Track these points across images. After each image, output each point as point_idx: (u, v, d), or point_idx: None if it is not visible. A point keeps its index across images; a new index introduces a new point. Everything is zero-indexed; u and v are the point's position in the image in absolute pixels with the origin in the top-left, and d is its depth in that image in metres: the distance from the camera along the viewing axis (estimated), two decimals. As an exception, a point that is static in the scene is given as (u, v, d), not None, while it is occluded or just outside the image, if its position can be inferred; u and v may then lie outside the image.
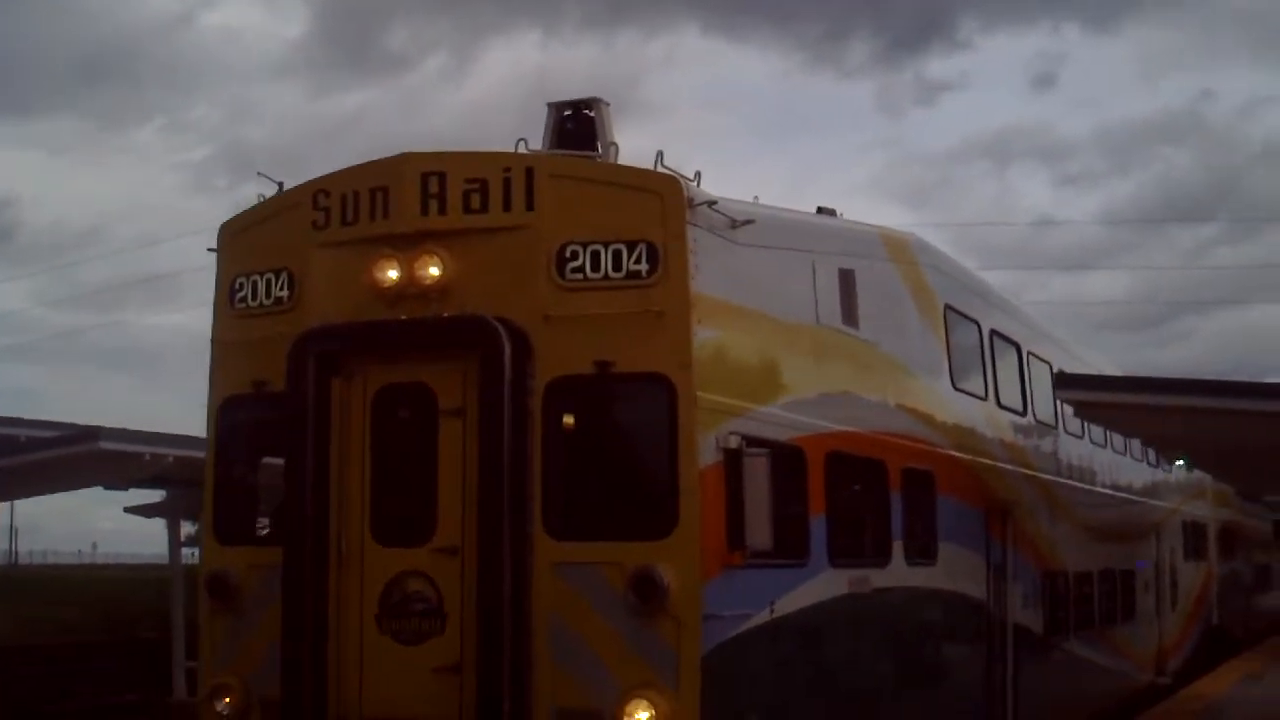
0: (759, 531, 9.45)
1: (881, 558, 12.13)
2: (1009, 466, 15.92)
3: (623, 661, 9.21)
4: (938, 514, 13.36)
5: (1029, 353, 17.27)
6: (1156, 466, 24.91)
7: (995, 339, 15.90)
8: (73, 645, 29.62)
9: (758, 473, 9.47)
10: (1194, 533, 28.32)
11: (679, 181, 9.60)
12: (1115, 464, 21.47)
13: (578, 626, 9.32)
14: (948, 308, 14.41)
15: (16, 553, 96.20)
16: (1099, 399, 15.58)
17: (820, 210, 12.87)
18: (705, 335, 9.55)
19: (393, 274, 9.88)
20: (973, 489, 14.52)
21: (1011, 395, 16.57)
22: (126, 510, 25.16)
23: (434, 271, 9.79)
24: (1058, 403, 18.33)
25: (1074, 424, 19.24)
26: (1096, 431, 20.44)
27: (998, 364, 15.84)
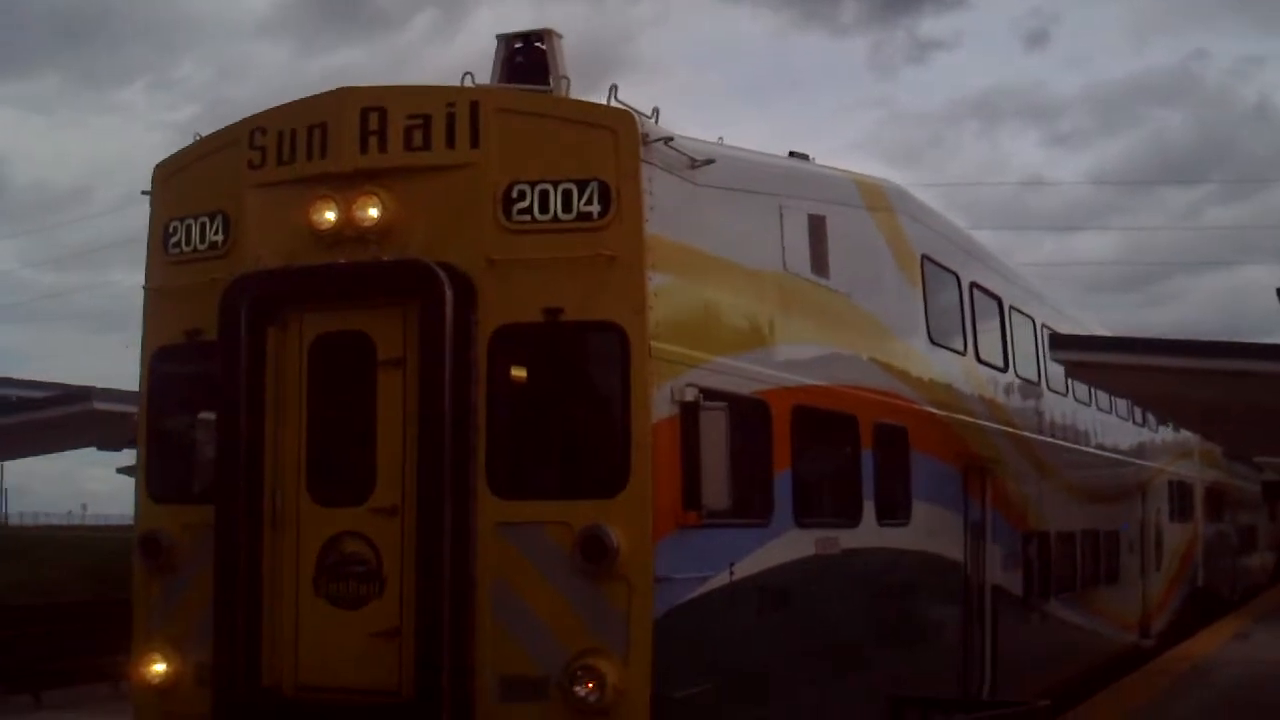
0: (716, 490, 8.88)
1: (851, 517, 11.57)
2: (989, 424, 15.37)
3: (570, 627, 8.66)
4: (912, 472, 12.80)
5: (1011, 307, 16.68)
6: (1143, 425, 24.40)
7: (975, 292, 15.30)
8: (61, 605, 29.07)
9: (716, 428, 8.89)
10: (1180, 493, 27.84)
11: (633, 116, 8.97)
12: (1100, 422, 20.95)
13: (522, 590, 8.75)
14: (925, 259, 13.80)
15: (6, 514, 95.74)
16: (1089, 359, 15.26)
17: (792, 155, 12.25)
18: (661, 281, 8.94)
19: (330, 216, 9.25)
20: (950, 447, 13.96)
21: (992, 351, 15.99)
22: (119, 471, 24.66)
23: (373, 213, 9.15)
24: (1041, 359, 17.79)
25: (1058, 381, 18.68)
26: (1081, 389, 19.89)
27: (978, 318, 15.26)
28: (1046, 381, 17.91)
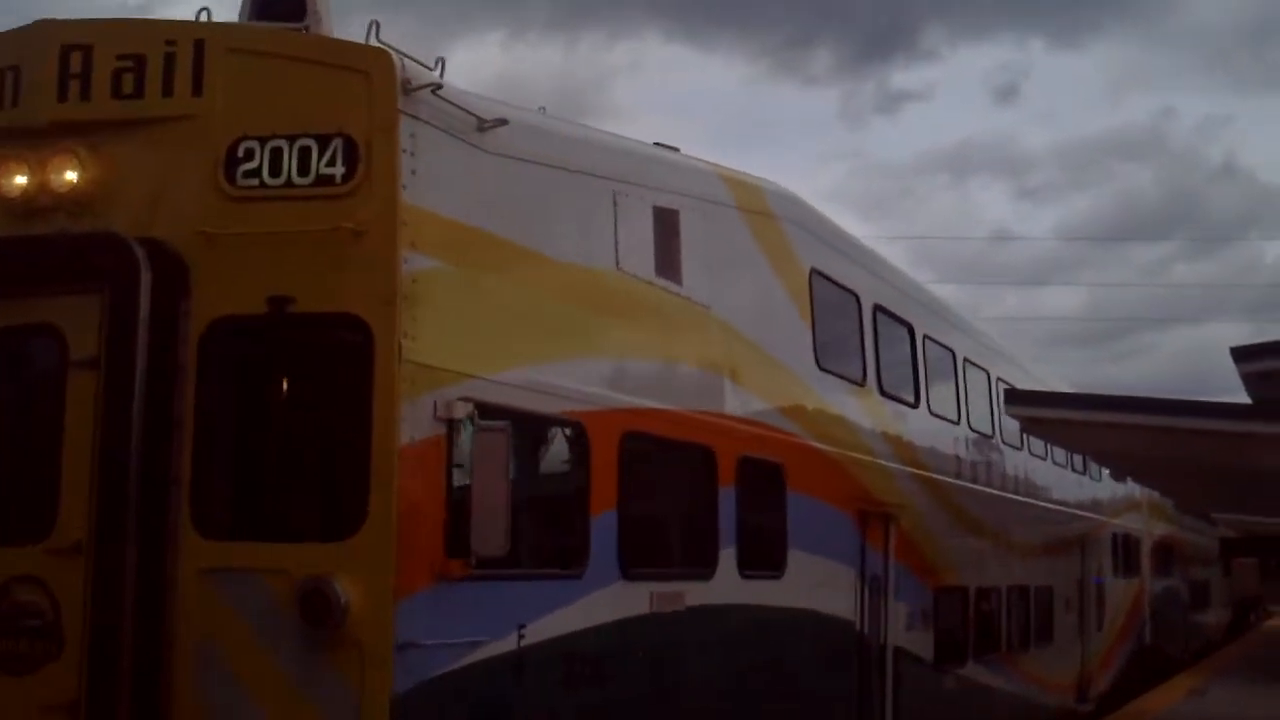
0: (491, 532, 6.87)
1: (703, 568, 9.54)
2: (893, 465, 13.38)
3: (287, 708, 6.60)
4: (789, 516, 10.80)
5: (926, 337, 14.74)
6: (1083, 474, 22.46)
7: (881, 316, 13.36)
8: None
9: (493, 453, 6.90)
10: (1125, 547, 25.87)
11: (390, 56, 7.00)
12: (1033, 469, 18.97)
13: (231, 657, 6.69)
14: (815, 273, 11.86)
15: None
16: (1044, 415, 14.56)
17: (658, 146, 10.33)
18: (423, 265, 6.96)
19: (20, 180, 7.24)
20: (841, 488, 11.97)
21: (901, 384, 14.03)
22: None
23: (70, 176, 7.16)
24: (962, 396, 15.86)
25: (982, 420, 16.75)
26: (1009, 430, 17.95)
27: (882, 346, 13.30)
28: (968, 420, 15.97)
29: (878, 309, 13.28)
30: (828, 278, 12.15)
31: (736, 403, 10.21)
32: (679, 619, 9.07)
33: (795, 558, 10.85)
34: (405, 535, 6.63)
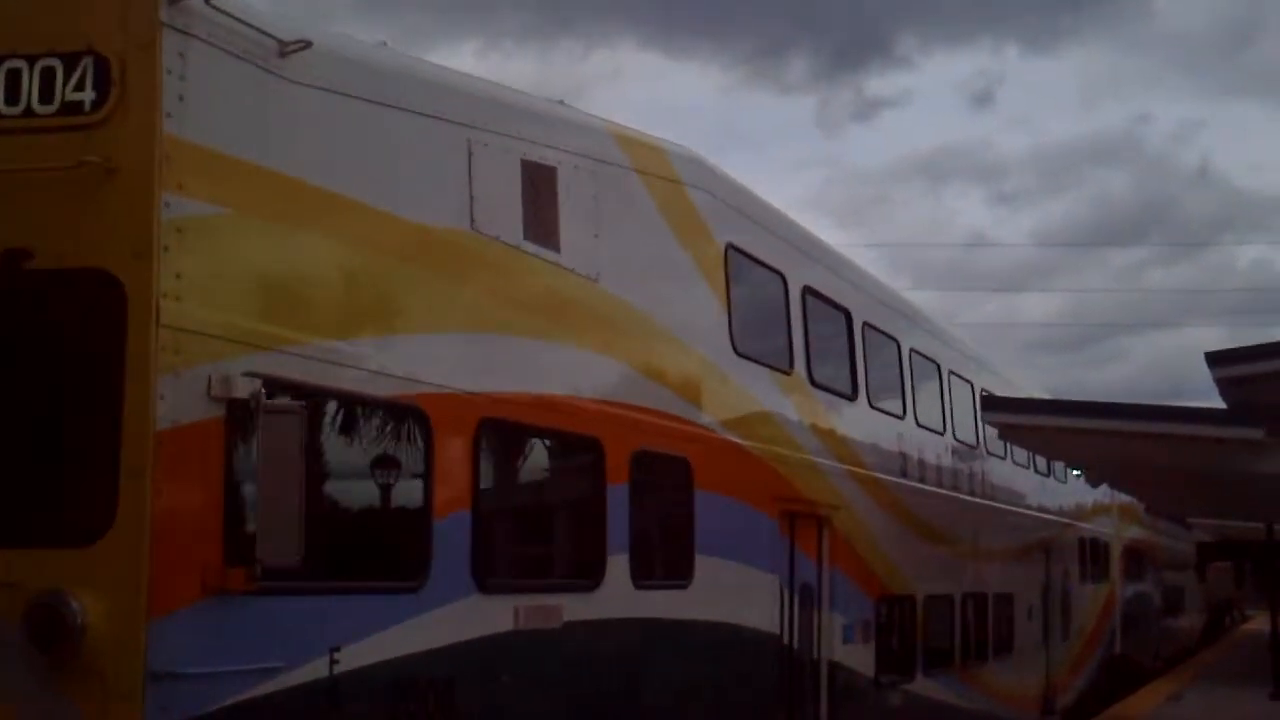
0: (281, 537, 5.55)
1: (586, 577, 8.24)
2: (827, 462, 12.11)
3: None
4: (697, 517, 9.51)
5: (866, 324, 13.48)
6: (1047, 476, 21.22)
7: (811, 299, 12.09)
8: None
9: (285, 441, 5.59)
10: (1094, 551, 24.66)
11: (150, -42, 5.70)
12: (991, 469, 17.72)
13: (-52, 691, 5.37)
14: (732, 249, 10.58)
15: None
16: (1020, 422, 14.21)
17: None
18: (194, 211, 5.65)
19: None
20: (763, 487, 10.68)
21: (836, 374, 12.77)
22: None
23: None
24: (908, 389, 14.59)
25: (931, 415, 15.49)
26: (965, 427, 16.71)
27: (813, 331, 12.03)
28: (915, 415, 14.70)
29: (808, 291, 12.00)
30: (747, 254, 10.88)
31: (632, 389, 8.92)
32: (554, 638, 7.77)
33: (705, 565, 9.56)
34: (163, 540, 5.32)
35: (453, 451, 7.02)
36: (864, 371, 13.21)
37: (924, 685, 14.30)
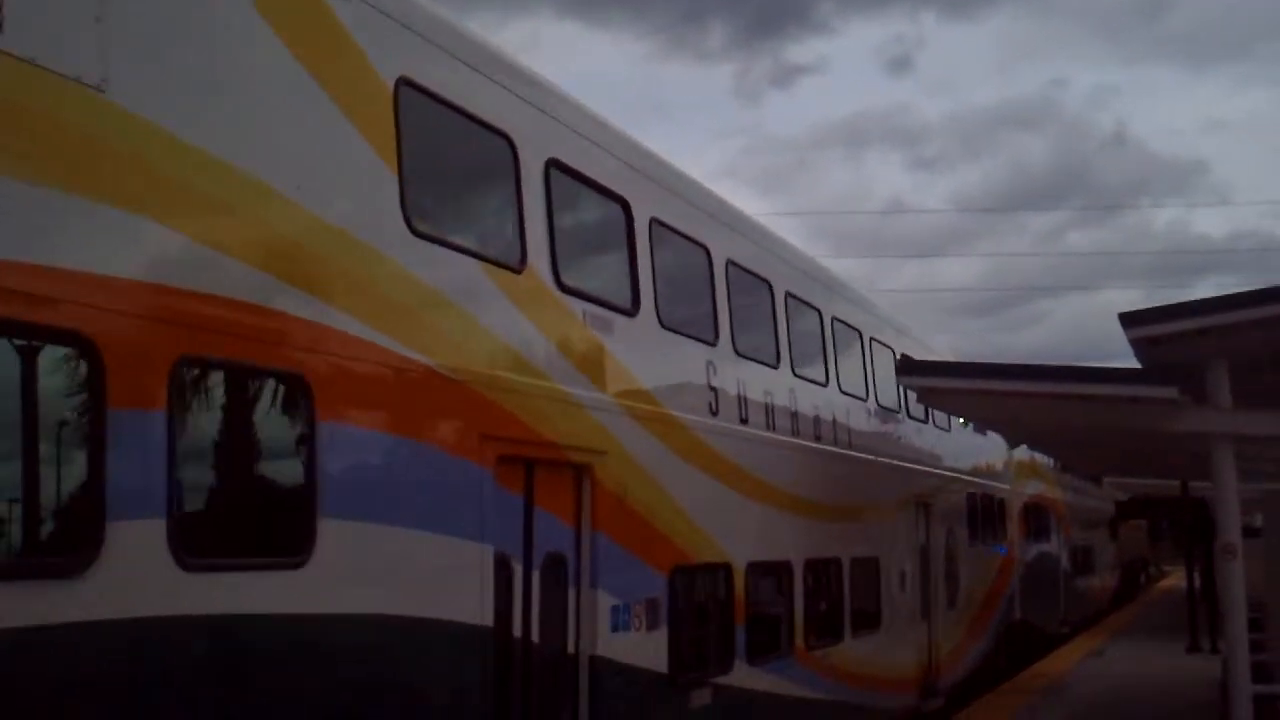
0: None
1: (75, 554, 5.06)
2: (588, 394, 9.01)
3: None
4: (319, 463, 6.35)
5: (656, 220, 10.37)
6: (924, 422, 18.29)
7: (559, 175, 8.94)
8: None
9: None
10: (986, 509, 21.84)
11: None
12: (847, 411, 14.71)
13: None
14: (408, 87, 7.40)
15: None
16: (938, 385, 14.08)
17: None
18: None
19: None
20: (463, 424, 7.55)
21: (603, 279, 9.70)
22: None
23: None
24: (722, 305, 11.52)
25: (761, 346, 12.45)
26: (808, 358, 13.70)
27: (560, 215, 8.88)
28: (733, 341, 11.61)
29: (554, 165, 8.85)
30: (439, 99, 7.70)
31: (182, 270, 5.73)
32: (21, 645, 4.61)
33: (339, 532, 6.41)
34: None
35: None
36: (651, 277, 10.10)
37: (748, 678, 11.28)
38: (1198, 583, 27.38)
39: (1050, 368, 13.56)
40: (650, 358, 10.06)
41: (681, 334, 10.62)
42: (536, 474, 8.38)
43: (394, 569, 6.81)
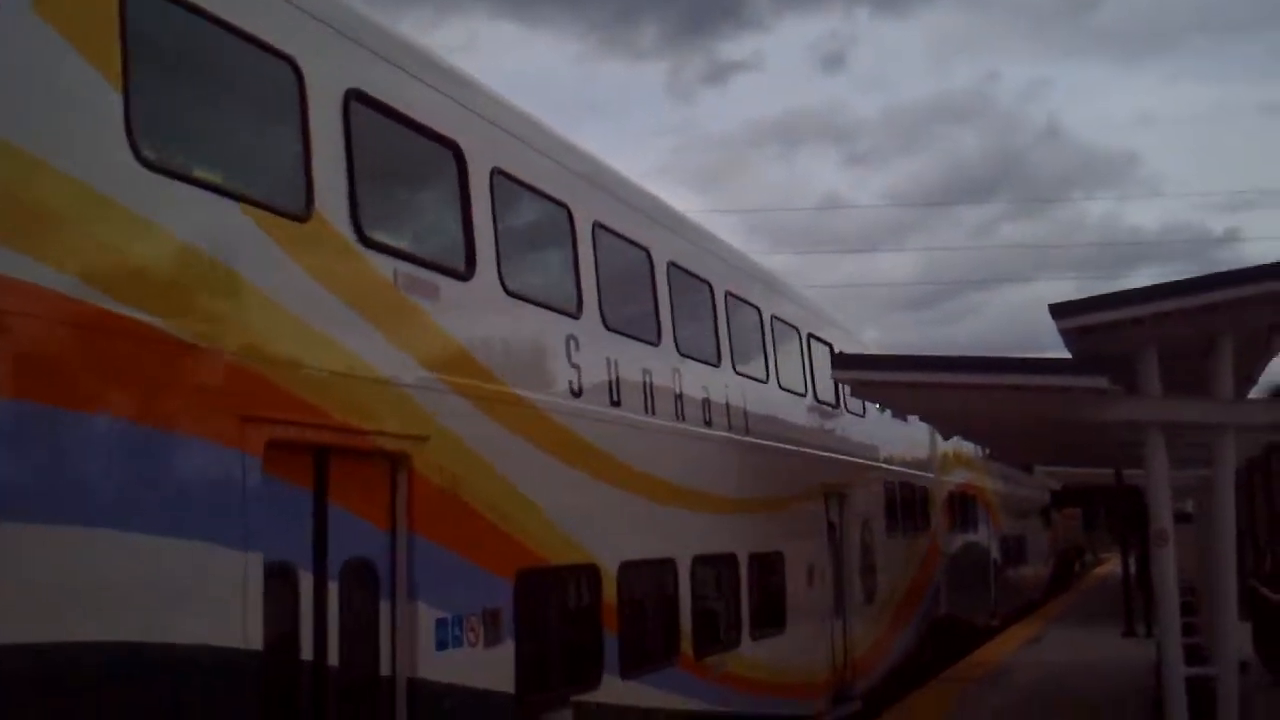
0: None
1: None
2: (403, 369, 7.57)
3: None
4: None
5: (499, 170, 8.92)
6: (836, 406, 17.01)
7: (358, 105, 7.48)
8: None
9: None
10: (906, 498, 20.62)
11: None
12: (745, 395, 13.36)
13: None
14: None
15: None
16: (871, 378, 13.75)
17: None
18: None
19: None
20: (214, 400, 6.09)
21: (428, 238, 8.28)
22: None
23: None
24: (583, 270, 10.11)
25: (636, 320, 11.08)
26: (696, 339, 12.35)
27: (365, 148, 7.41)
28: (601, 315, 10.21)
29: (354, 95, 7.40)
30: None
31: None
32: None
33: (14, 539, 4.93)
34: None
35: None
36: (492, 235, 8.67)
37: (621, 693, 9.89)
38: (1133, 569, 27.07)
39: (982, 359, 13.58)
40: (491, 329, 8.64)
41: (533, 303, 9.21)
42: (331, 464, 6.95)
43: (101, 584, 5.33)
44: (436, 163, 8.32)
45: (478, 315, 8.46)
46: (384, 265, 7.49)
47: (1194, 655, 13.27)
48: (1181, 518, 17.01)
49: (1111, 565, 50.48)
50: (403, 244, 7.73)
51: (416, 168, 8.27)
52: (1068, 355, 12.91)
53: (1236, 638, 12.80)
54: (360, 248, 7.29)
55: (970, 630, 24.60)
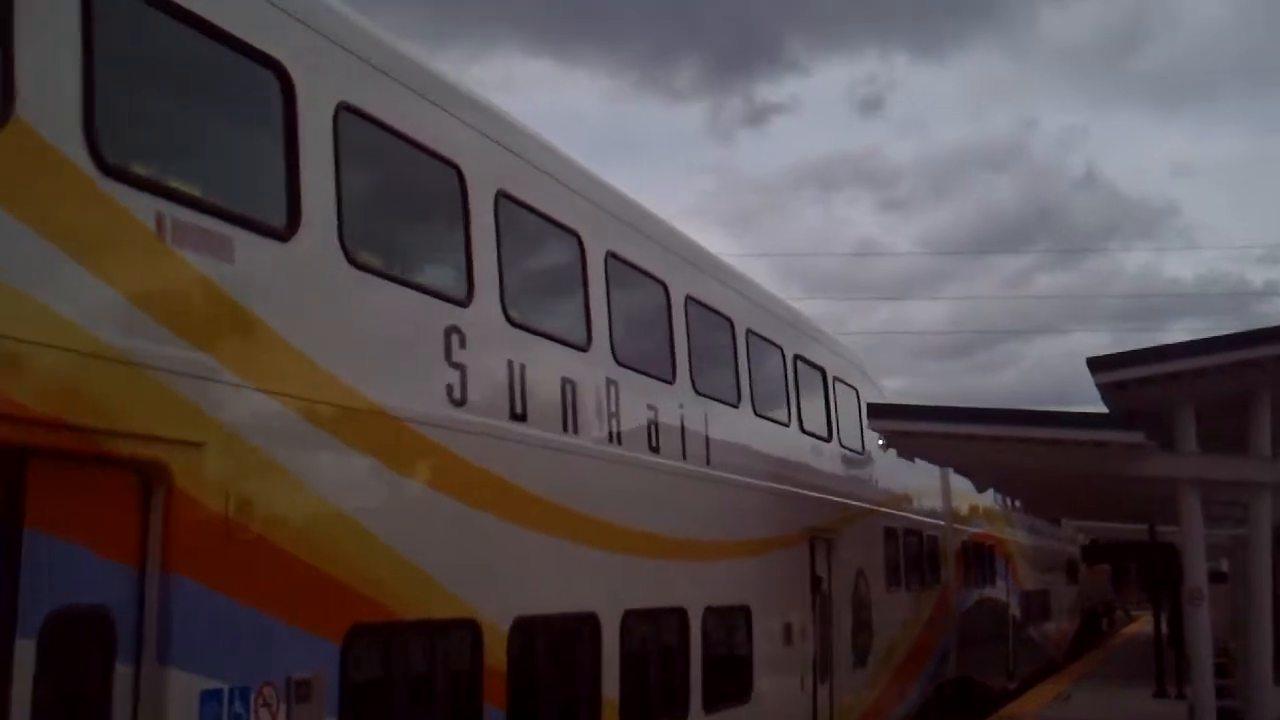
0: None
1: None
2: (161, 350, 5.47)
3: None
4: None
5: (346, 105, 6.87)
6: (828, 440, 14.81)
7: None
8: None
9: None
10: (913, 548, 18.34)
11: None
12: (699, 419, 11.19)
13: None
14: None
15: None
16: (906, 428, 13.84)
17: None
18: None
19: None
20: None
21: (220, 171, 6.22)
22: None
23: None
24: (483, 253, 8.03)
25: (557, 317, 8.99)
26: (650, 347, 10.24)
27: (104, 56, 5.39)
28: (502, 305, 8.09)
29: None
30: None
31: None
32: None
33: None
34: None
35: None
36: (331, 182, 6.59)
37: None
38: (1165, 628, 24.96)
39: (1018, 412, 13.64)
40: (325, 311, 6.55)
41: (393, 280, 7.12)
42: (32, 474, 4.87)
43: None
44: (234, 69, 6.26)
45: (305, 291, 6.38)
46: (141, 207, 5.43)
47: (1227, 718, 13.20)
48: (1216, 577, 16.94)
49: (1143, 623, 47.78)
50: (170, 177, 5.66)
51: (201, 72, 6.20)
52: (1103, 409, 13.09)
53: (1273, 702, 12.55)
54: (102, 180, 5.23)
55: (985, 693, 22.20)
